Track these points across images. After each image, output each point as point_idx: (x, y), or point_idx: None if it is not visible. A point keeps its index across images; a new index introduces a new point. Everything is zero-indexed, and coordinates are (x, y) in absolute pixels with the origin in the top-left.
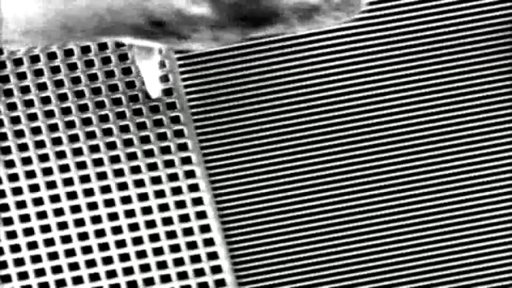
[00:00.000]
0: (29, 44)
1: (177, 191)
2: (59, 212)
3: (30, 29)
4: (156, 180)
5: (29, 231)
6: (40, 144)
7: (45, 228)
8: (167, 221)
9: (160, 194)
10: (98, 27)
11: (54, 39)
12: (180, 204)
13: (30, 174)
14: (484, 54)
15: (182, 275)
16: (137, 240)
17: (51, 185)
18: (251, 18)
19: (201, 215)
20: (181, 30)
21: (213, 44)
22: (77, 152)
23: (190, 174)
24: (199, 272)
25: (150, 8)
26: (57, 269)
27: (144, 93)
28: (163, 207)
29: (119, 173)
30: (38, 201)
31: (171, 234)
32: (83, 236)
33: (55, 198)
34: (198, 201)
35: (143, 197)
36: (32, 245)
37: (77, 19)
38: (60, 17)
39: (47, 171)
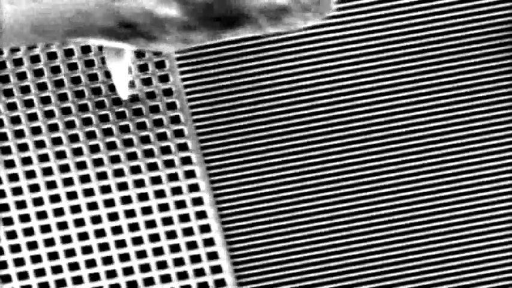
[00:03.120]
0: (3, 45)
1: (177, 191)
2: (59, 212)
3: (1, 30)
4: (156, 180)
5: (29, 231)
6: (40, 144)
7: (45, 228)
8: (167, 221)
9: (160, 194)
10: (68, 28)
11: (26, 40)
12: (180, 204)
13: (30, 174)
14: (484, 54)
15: (182, 275)
16: (137, 240)
17: (51, 185)
18: (220, 19)
19: (201, 215)
20: (151, 32)
21: (182, 45)
22: (77, 152)
23: (190, 174)
24: (199, 272)
25: (119, 10)
26: (57, 269)
27: (144, 93)
28: (163, 207)
29: (118, 173)
30: (38, 201)
31: (171, 234)
32: (83, 236)
33: (55, 198)
34: (198, 201)
35: (143, 197)
36: (32, 245)
37: (46, 20)
38: (30, 18)
39: (47, 171)
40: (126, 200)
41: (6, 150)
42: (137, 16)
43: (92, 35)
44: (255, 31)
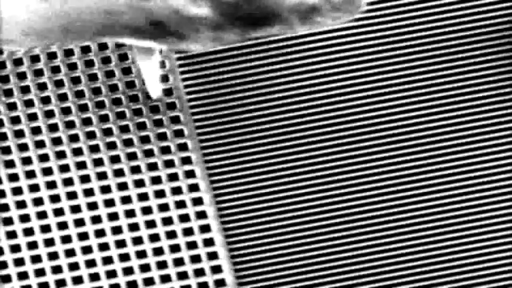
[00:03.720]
0: (28, 45)
1: (177, 191)
2: (59, 212)
3: (29, 29)
4: (156, 180)
5: (29, 231)
6: (40, 144)
7: (45, 228)
8: (167, 221)
9: (160, 194)
10: (97, 28)
11: (53, 40)
12: (180, 204)
13: (30, 174)
14: (484, 54)
15: (182, 275)
16: (137, 240)
17: (51, 185)
18: (250, 18)
19: (201, 215)
20: (181, 31)
21: (212, 44)
22: (77, 152)
23: (190, 174)
24: (199, 272)
25: (149, 9)
26: (57, 269)
27: (144, 93)
28: (163, 207)
29: (118, 173)
30: (38, 201)
31: (171, 234)
32: (83, 236)
33: (55, 198)
34: (198, 201)
35: (143, 197)
36: (32, 245)
37: (76, 20)
38: (59, 18)
39: (47, 171)
40: (126, 200)
41: (6, 150)
42: (167, 15)
43: (121, 34)
44: (285, 30)
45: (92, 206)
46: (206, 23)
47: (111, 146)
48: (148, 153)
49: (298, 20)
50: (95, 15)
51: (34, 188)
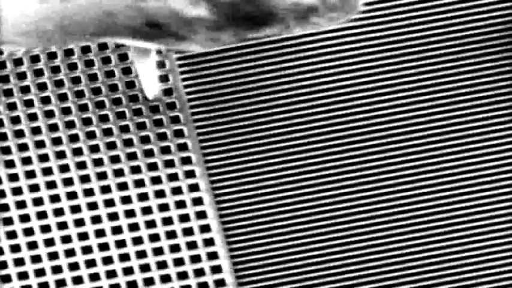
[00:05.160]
0: (27, 45)
1: (177, 191)
2: (59, 212)
3: (28, 29)
4: (156, 180)
5: (29, 231)
6: (40, 144)
7: (45, 228)
8: (167, 221)
9: (160, 194)
10: (95, 28)
11: (52, 40)
12: (180, 204)
13: (30, 174)
14: (484, 54)
15: (182, 275)
16: (137, 240)
17: (51, 185)
18: (248, 19)
19: (201, 215)
20: (179, 32)
21: (210, 45)
22: (77, 152)
23: (190, 174)
24: (199, 272)
25: (147, 10)
26: (57, 269)
27: (143, 93)
28: (163, 207)
29: (118, 173)
30: (38, 201)
31: (171, 234)
32: (83, 236)
33: (55, 198)
34: (198, 201)
35: (143, 197)
36: (32, 245)
37: (74, 20)
38: (58, 18)
39: (47, 171)
40: (126, 200)
41: (6, 150)
42: (165, 16)
43: (119, 34)
44: (282, 31)
45: (92, 206)
46: (204, 24)
47: (111, 146)
48: (148, 153)
49: (294, 21)
50: (93, 15)
51: (34, 188)
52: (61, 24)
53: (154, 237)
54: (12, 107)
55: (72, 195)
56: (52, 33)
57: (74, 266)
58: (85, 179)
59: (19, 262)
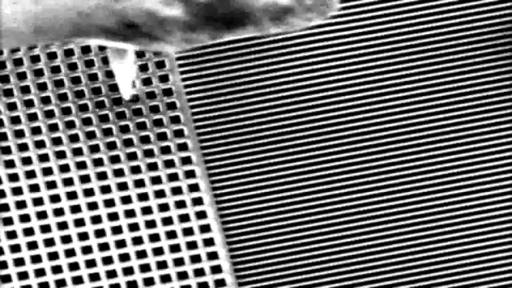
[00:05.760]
0: (2, 46)
1: (177, 191)
2: (59, 212)
3: (1, 30)
4: (156, 180)
5: (29, 231)
6: (40, 144)
7: (45, 228)
8: (167, 221)
9: (160, 194)
10: (69, 29)
11: (27, 40)
12: (180, 204)
13: (30, 174)
14: (484, 54)
15: (182, 275)
16: (137, 240)
17: (51, 185)
18: (222, 19)
19: (201, 215)
20: (154, 32)
21: (184, 45)
22: (77, 152)
23: (190, 174)
24: (199, 272)
25: (122, 10)
26: (57, 269)
27: (144, 93)
28: (163, 207)
29: (118, 173)
30: (38, 201)
31: (171, 234)
32: (83, 236)
33: (55, 198)
34: (198, 201)
35: (143, 197)
36: (32, 245)
37: (47, 20)
38: (31, 19)
39: (47, 171)
40: (126, 200)
41: (6, 150)
42: (140, 16)
43: (94, 35)
44: (257, 31)
45: (92, 206)
46: (179, 24)
47: (111, 146)
48: (148, 153)
49: (270, 21)
50: (67, 15)
51: (34, 188)
52: (34, 24)
53: (154, 237)
54: (12, 107)
55: (72, 195)
56: (25, 34)
57: (74, 266)
58: (85, 179)
59: (19, 262)
